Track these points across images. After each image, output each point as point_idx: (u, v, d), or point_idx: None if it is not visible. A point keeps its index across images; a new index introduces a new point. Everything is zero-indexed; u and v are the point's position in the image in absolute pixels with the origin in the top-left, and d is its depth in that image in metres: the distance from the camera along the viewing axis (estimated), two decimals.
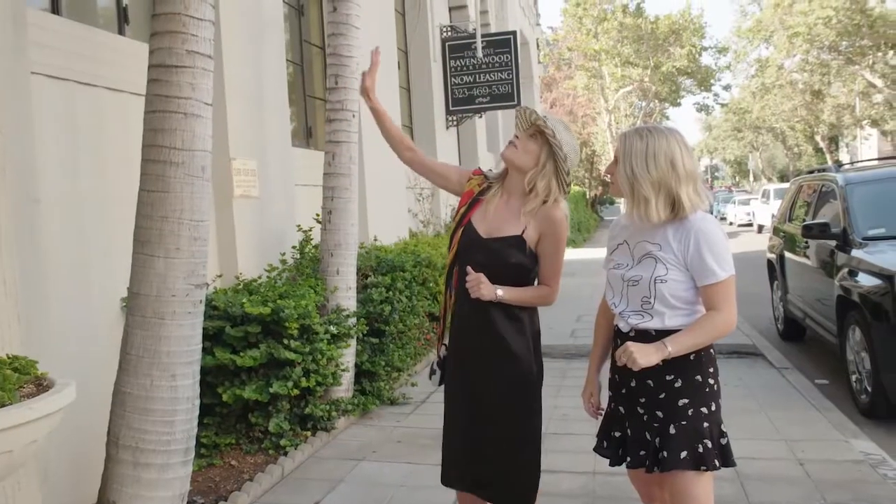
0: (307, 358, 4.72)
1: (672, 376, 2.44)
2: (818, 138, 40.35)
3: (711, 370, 2.47)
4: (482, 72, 11.65)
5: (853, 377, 5.74)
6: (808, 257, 7.12)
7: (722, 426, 2.48)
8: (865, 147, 38.39)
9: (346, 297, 5.51)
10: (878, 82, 28.04)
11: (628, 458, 2.54)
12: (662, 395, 2.45)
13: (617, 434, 2.62)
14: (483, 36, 11.77)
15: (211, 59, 3.32)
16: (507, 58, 11.67)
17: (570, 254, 21.49)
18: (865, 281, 5.53)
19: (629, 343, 2.36)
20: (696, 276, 2.39)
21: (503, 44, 11.81)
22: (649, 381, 2.45)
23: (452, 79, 11.85)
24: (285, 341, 4.60)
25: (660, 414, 2.45)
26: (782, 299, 8.29)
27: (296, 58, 7.56)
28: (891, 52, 27.35)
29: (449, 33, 12.06)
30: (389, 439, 5.09)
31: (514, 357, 2.79)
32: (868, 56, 27.46)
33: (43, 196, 3.67)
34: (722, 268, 2.36)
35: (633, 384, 2.51)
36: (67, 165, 4.01)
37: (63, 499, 3.73)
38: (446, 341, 3.02)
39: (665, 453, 2.38)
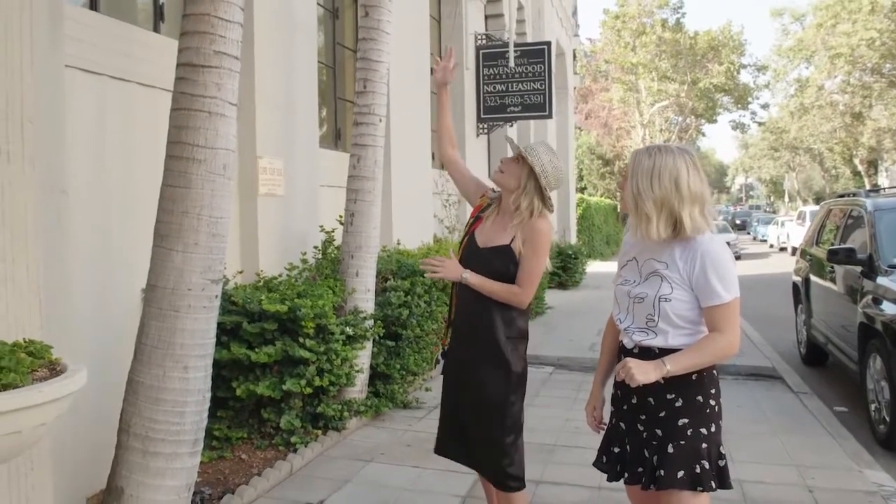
0: (322, 357, 4.77)
1: (673, 395, 2.45)
2: (857, 161, 39.74)
3: (713, 391, 2.48)
4: (515, 81, 11.66)
5: (872, 406, 5.67)
6: (833, 282, 7.04)
7: (721, 448, 2.48)
8: None
9: (365, 299, 5.56)
10: None
11: (626, 475, 2.56)
12: (663, 414, 2.46)
13: (616, 450, 2.62)
14: (517, 45, 11.78)
15: (238, 60, 3.39)
16: (540, 68, 11.67)
17: (597, 267, 21.42)
18: (889, 309, 5.46)
19: (628, 359, 2.37)
20: (701, 297, 2.39)
21: (537, 54, 11.81)
22: (650, 399, 2.47)
23: (485, 87, 11.87)
24: (301, 340, 4.66)
25: (659, 432, 2.47)
26: (806, 323, 8.20)
27: (328, 60, 7.64)
28: None
29: (483, 41, 12.09)
30: (399, 442, 5.12)
31: (500, 355, 3.09)
32: None
33: (70, 187, 3.77)
34: (727, 290, 2.36)
35: (634, 401, 2.52)
36: (96, 158, 4.11)
37: (79, 482, 3.82)
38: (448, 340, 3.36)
39: (662, 472, 2.39)
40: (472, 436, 3.16)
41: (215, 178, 3.31)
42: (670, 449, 2.41)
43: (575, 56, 24.02)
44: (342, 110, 7.90)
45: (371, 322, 5.49)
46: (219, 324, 3.74)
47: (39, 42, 3.39)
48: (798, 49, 29.54)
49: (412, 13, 8.76)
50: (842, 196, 8.49)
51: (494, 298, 3.07)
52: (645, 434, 2.51)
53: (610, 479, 2.68)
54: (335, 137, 7.78)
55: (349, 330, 5.09)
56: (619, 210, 39.76)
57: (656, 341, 2.44)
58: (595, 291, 15.28)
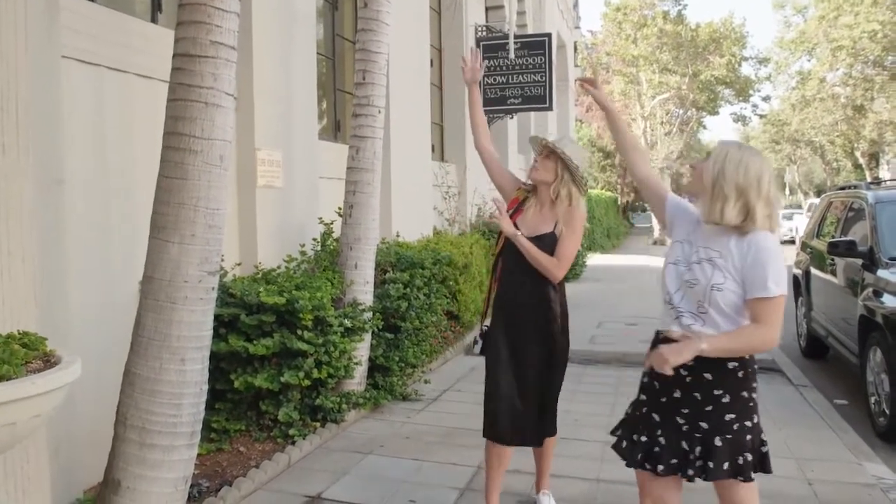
0: (320, 349, 4.76)
1: (720, 391, 2.55)
2: (858, 154, 39.65)
3: (754, 385, 2.60)
4: (515, 73, 11.60)
5: (872, 399, 5.66)
6: (833, 275, 7.02)
7: (762, 436, 2.62)
8: None
9: (363, 291, 5.54)
10: None
11: (661, 467, 2.61)
12: (710, 409, 2.56)
13: (643, 439, 2.68)
14: (518, 37, 11.72)
15: (234, 50, 3.36)
16: (540, 60, 11.61)
17: (598, 259, 21.38)
18: (889, 302, 5.44)
19: (661, 346, 2.49)
20: (749, 288, 2.48)
21: (537, 46, 11.75)
22: (696, 395, 2.56)
23: (485, 79, 11.80)
24: (299, 332, 4.65)
25: (704, 426, 2.56)
26: (806, 316, 8.18)
27: (328, 52, 7.62)
28: None
29: (484, 33, 12.05)
30: (398, 435, 5.11)
31: (555, 329, 3.50)
32: None
33: (67, 178, 3.75)
34: (776, 284, 2.45)
35: (676, 395, 2.61)
36: (94, 149, 4.09)
37: (76, 474, 3.81)
38: (488, 321, 3.69)
39: (711, 464, 2.51)
40: (526, 396, 3.49)
41: (212, 169, 3.28)
42: (718, 442, 2.52)
43: (576, 48, 23.96)
44: (341, 102, 7.88)
45: (370, 314, 5.48)
46: (217, 316, 3.73)
47: (35, 32, 3.36)
48: (800, 41, 29.44)
49: (412, 4, 8.73)
50: (843, 188, 8.46)
51: (535, 262, 3.44)
52: (685, 427, 2.60)
53: (628, 465, 2.75)
54: (335, 129, 7.76)
55: (348, 322, 5.08)
56: (618, 203, 39.77)
57: (704, 329, 2.52)
58: (595, 284, 15.25)
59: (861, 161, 39.79)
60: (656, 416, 2.66)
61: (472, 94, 3.93)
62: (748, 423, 2.55)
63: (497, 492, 3.62)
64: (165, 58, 3.48)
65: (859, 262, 6.21)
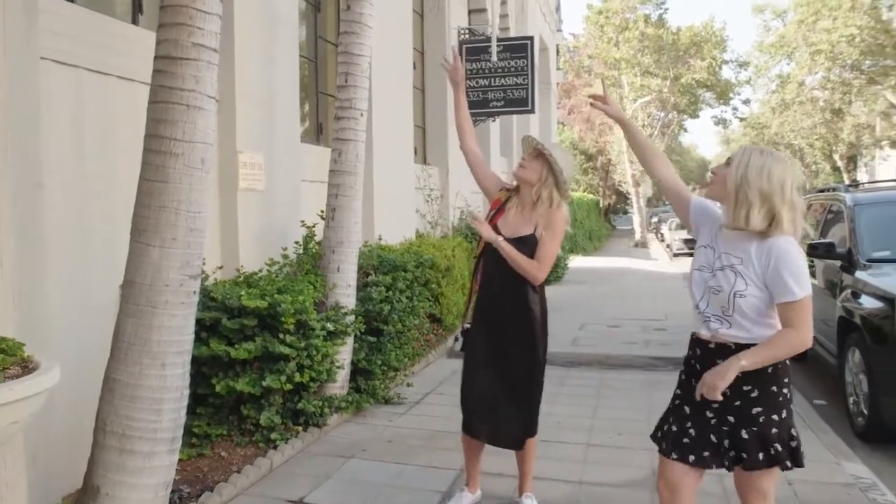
0: (302, 353, 4.74)
1: (749, 387, 2.61)
2: (836, 157, 40.04)
3: (786, 380, 2.64)
4: (498, 76, 11.62)
5: (850, 399, 5.71)
6: (812, 276, 7.09)
7: (793, 430, 2.64)
8: (884, 168, 38.05)
9: (346, 294, 5.53)
10: None
11: (692, 457, 2.68)
12: (738, 403, 2.63)
13: (674, 429, 2.77)
14: (500, 40, 11.75)
15: (216, 52, 3.35)
16: (523, 63, 11.63)
17: (581, 262, 21.45)
18: (867, 303, 5.50)
19: (705, 375, 2.58)
20: (774, 294, 2.53)
21: (520, 49, 11.77)
22: (726, 390, 2.59)
23: (467, 81, 11.81)
24: (281, 336, 4.62)
25: (731, 419, 2.64)
26: None
27: (310, 54, 7.60)
28: None
29: (466, 36, 12.06)
30: (380, 438, 5.10)
31: (533, 329, 3.57)
32: (891, 76, 27.17)
33: (46, 181, 3.71)
34: (800, 287, 2.49)
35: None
36: (73, 151, 4.06)
37: (54, 481, 3.77)
38: (469, 320, 3.73)
39: (745, 455, 2.60)
40: (504, 396, 3.58)
41: (193, 172, 3.26)
42: (744, 435, 2.59)
43: (558, 51, 24.06)
44: (324, 104, 7.86)
45: (352, 317, 5.46)
46: (198, 320, 3.70)
47: (13, 34, 3.34)
48: (779, 45, 29.62)
49: (394, 7, 8.72)
50: (822, 191, 8.55)
51: (516, 266, 3.49)
52: (714, 420, 2.68)
53: (660, 452, 2.83)
54: (317, 132, 7.74)
55: (330, 326, 5.07)
56: (600, 206, 39.92)
57: (731, 331, 2.61)
58: (578, 286, 15.31)
59: (839, 164, 40.19)
60: (687, 409, 2.75)
61: (458, 95, 4.01)
62: (775, 417, 2.59)
63: (476, 479, 3.91)
64: (146, 60, 3.46)
65: (838, 263, 6.27)
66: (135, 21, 4.86)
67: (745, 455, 2.60)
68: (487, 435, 3.69)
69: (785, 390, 2.63)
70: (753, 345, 2.55)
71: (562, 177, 3.53)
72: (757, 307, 2.56)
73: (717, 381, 2.52)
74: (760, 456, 2.58)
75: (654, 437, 2.93)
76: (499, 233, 3.60)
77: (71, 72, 4.04)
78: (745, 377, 2.56)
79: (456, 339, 3.82)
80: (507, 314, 3.59)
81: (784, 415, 2.61)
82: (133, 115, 4.37)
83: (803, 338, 2.51)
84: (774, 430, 2.59)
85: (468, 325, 3.74)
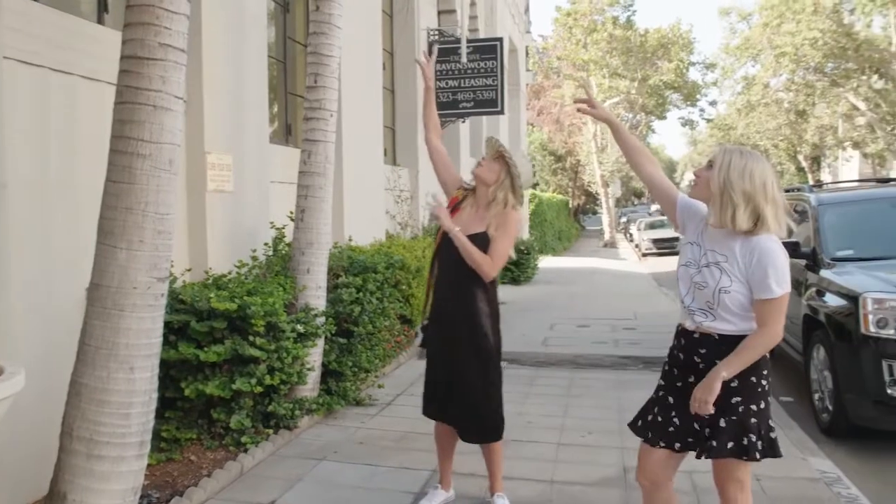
0: (272, 356, 4.71)
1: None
2: (801, 158, 40.69)
3: (765, 372, 2.73)
4: (467, 77, 11.65)
5: (816, 396, 5.80)
6: None
7: (771, 422, 2.74)
8: (847, 168, 38.76)
9: (316, 296, 5.50)
10: (861, 105, 28.31)
11: (678, 445, 2.82)
12: (719, 393, 2.69)
13: (659, 419, 2.87)
14: (470, 41, 11.77)
15: (184, 52, 3.31)
16: (492, 64, 11.67)
17: (550, 262, 21.57)
18: (832, 301, 5.60)
19: (695, 391, 2.69)
20: (755, 290, 2.64)
21: (489, 50, 11.81)
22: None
23: (438, 82, 11.82)
24: (251, 338, 4.59)
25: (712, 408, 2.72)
26: None
27: (279, 55, 7.55)
28: (875, 77, 27.63)
29: (436, 37, 12.06)
30: (352, 440, 5.08)
31: (481, 327, 3.63)
32: (852, 79, 27.71)
33: (9, 181, 3.65)
34: (779, 285, 2.60)
35: (691, 380, 2.78)
36: (37, 152, 3.99)
37: (19, 488, 3.72)
38: (427, 316, 3.83)
39: (714, 443, 2.68)
40: (458, 392, 3.65)
41: (161, 173, 3.22)
42: (722, 423, 2.68)
43: (527, 53, 24.16)
44: (293, 105, 7.81)
45: (322, 319, 5.44)
46: (166, 323, 3.66)
47: None
48: (745, 48, 30.03)
49: (364, 8, 8.70)
50: (787, 191, 8.66)
51: (469, 259, 3.54)
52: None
53: (644, 442, 2.95)
54: (286, 133, 7.69)
55: (300, 327, 5.04)
56: (570, 206, 40.14)
57: (715, 324, 2.72)
58: (547, 286, 15.40)
59: (804, 164, 40.86)
60: (671, 399, 2.85)
61: (429, 94, 4.08)
62: (754, 407, 2.68)
63: (448, 478, 3.98)
64: (113, 60, 3.41)
65: (803, 262, 6.37)
66: (100, 20, 4.80)
67: (714, 443, 2.68)
68: (437, 413, 3.81)
69: (763, 381, 2.71)
70: (735, 336, 2.68)
71: (518, 181, 3.61)
72: (740, 302, 2.67)
73: (706, 396, 2.64)
74: (730, 445, 2.66)
75: (634, 427, 3.01)
76: None
77: (35, 71, 3.97)
78: (728, 356, 2.67)
79: (416, 335, 3.92)
80: (457, 310, 3.65)
81: (762, 405, 2.71)
82: (99, 115, 4.31)
83: (774, 333, 2.63)
84: (753, 420, 2.67)
85: (426, 322, 3.84)
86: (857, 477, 4.54)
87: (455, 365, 3.66)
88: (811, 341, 5.94)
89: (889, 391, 4.95)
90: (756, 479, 4.35)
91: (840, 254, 6.11)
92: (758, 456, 2.67)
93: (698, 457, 2.78)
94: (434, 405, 3.79)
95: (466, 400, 3.65)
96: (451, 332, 3.67)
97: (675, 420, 2.81)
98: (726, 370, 2.63)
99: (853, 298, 5.21)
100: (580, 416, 5.66)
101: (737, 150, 2.69)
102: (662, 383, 2.93)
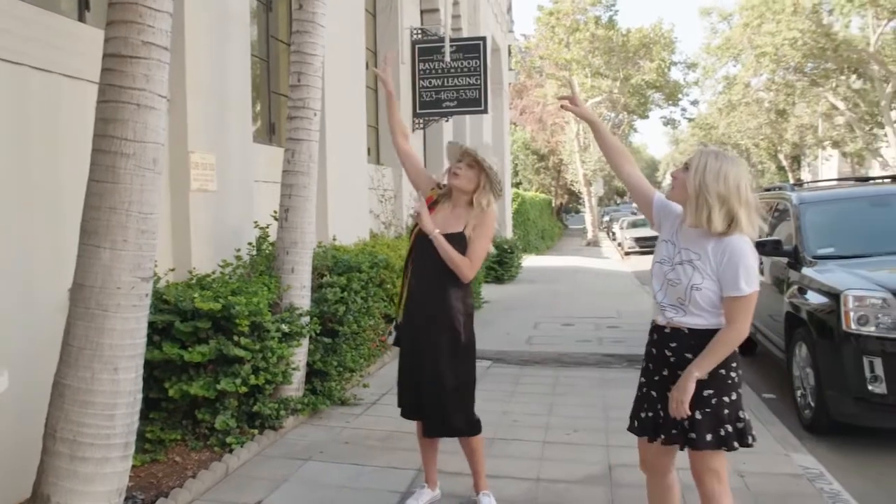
0: (257, 355, 4.69)
1: None
2: (781, 157, 41.06)
3: (734, 364, 2.84)
4: (451, 76, 11.66)
5: (798, 392, 5.86)
6: (760, 273, 7.23)
7: (741, 412, 2.84)
8: (826, 167, 39.13)
9: (300, 295, 5.48)
10: (841, 105, 28.59)
11: (663, 436, 2.90)
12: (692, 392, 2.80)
13: (649, 414, 2.97)
14: (453, 41, 11.78)
15: (167, 51, 3.29)
16: (475, 63, 11.69)
17: (533, 261, 21.61)
18: (813, 299, 5.65)
19: (672, 394, 2.80)
20: (725, 288, 2.75)
21: (472, 49, 11.83)
22: (679, 372, 2.82)
23: (421, 81, 11.85)
24: (235, 338, 4.56)
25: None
26: None
27: (262, 53, 7.51)
28: (853, 77, 27.91)
29: (419, 36, 12.06)
30: (337, 440, 5.07)
31: (456, 325, 3.63)
32: (832, 79, 27.97)
33: None
34: (748, 284, 2.71)
35: (665, 373, 2.91)
36: (17, 151, 3.94)
37: (3, 491, 3.67)
38: (401, 316, 3.80)
39: (693, 435, 2.78)
40: (428, 389, 3.64)
41: (144, 172, 3.20)
42: (698, 415, 2.78)
43: (510, 52, 24.18)
44: (276, 104, 7.78)
45: (307, 319, 5.42)
46: (150, 323, 3.63)
47: None
48: (726, 47, 30.20)
49: (347, 7, 8.67)
50: (768, 190, 8.74)
51: (449, 261, 3.56)
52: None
53: (649, 441, 3.00)
54: (269, 132, 7.66)
55: (285, 327, 5.02)
56: (553, 205, 40.23)
57: (686, 319, 2.82)
58: (531, 285, 15.43)
59: (784, 163, 41.23)
60: (654, 393, 2.95)
61: (391, 100, 4.00)
62: (726, 399, 2.79)
63: (433, 477, 4.00)
64: (95, 58, 3.38)
65: (785, 260, 6.42)
66: (81, 18, 4.75)
67: (694, 435, 2.78)
68: (411, 413, 3.81)
69: (733, 374, 2.82)
70: (704, 330, 2.78)
71: (497, 179, 3.63)
72: (711, 299, 2.77)
73: (682, 396, 2.74)
74: (709, 437, 2.76)
75: (632, 429, 3.08)
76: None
77: (14, 69, 3.92)
78: (699, 356, 2.77)
79: (389, 334, 3.89)
80: (433, 309, 3.65)
81: (734, 397, 2.81)
82: (80, 114, 4.28)
83: (739, 331, 2.73)
84: (726, 412, 2.78)
85: (398, 322, 3.84)
86: (838, 472, 4.59)
87: (429, 362, 3.65)
88: (793, 338, 5.99)
89: (870, 388, 5.00)
90: (739, 475, 4.40)
91: (821, 252, 6.16)
92: (736, 445, 2.78)
93: (681, 448, 2.88)
94: (408, 405, 3.80)
95: (436, 396, 3.65)
96: (427, 330, 3.66)
97: (661, 412, 2.91)
98: (698, 370, 2.73)
99: (835, 296, 5.26)
100: (565, 415, 5.68)
101: (712, 153, 2.78)
102: (643, 380, 3.04)
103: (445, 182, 3.76)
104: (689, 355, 2.79)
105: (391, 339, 3.88)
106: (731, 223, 2.70)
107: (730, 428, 2.78)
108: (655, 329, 2.97)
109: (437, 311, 3.64)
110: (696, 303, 2.77)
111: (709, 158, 2.75)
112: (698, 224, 2.73)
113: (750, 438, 2.83)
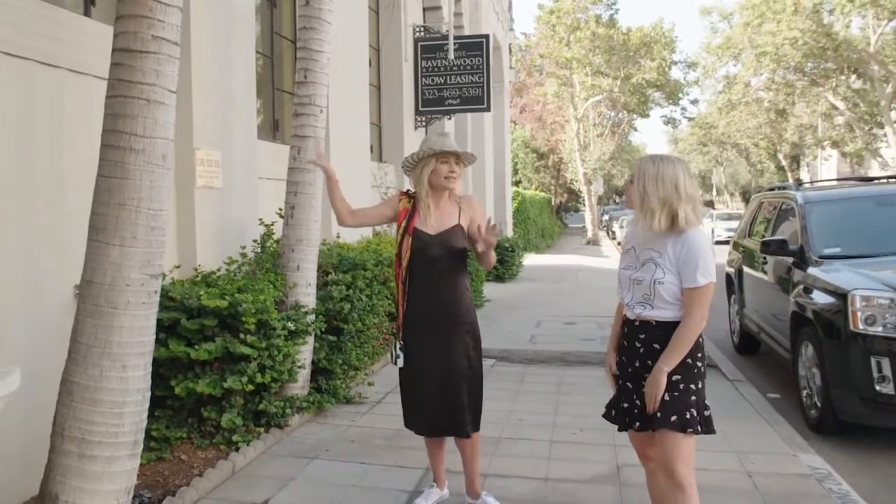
0: (263, 353, 4.67)
1: None
2: (781, 156, 41.08)
3: (699, 354, 2.99)
4: (453, 74, 11.63)
5: (804, 392, 5.84)
6: (765, 273, 7.23)
7: (706, 401, 3.00)
8: (825, 167, 39.17)
9: (306, 293, 5.46)
10: (840, 105, 28.58)
11: (638, 423, 3.05)
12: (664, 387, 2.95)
13: (626, 405, 3.11)
14: (456, 38, 11.75)
15: (177, 45, 3.26)
16: (478, 61, 11.66)
17: (534, 259, 21.57)
18: (819, 298, 5.63)
19: (646, 390, 2.95)
20: (683, 280, 2.93)
21: (475, 47, 11.80)
22: (649, 362, 2.99)
23: (423, 79, 11.82)
24: (241, 336, 4.54)
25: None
26: (739, 313, 8.40)
27: (266, 50, 7.48)
28: (853, 77, 27.90)
29: (422, 33, 12.03)
30: (343, 438, 5.05)
31: (471, 321, 3.70)
32: (831, 79, 27.97)
33: None
34: (703, 276, 2.89)
35: (637, 364, 3.05)
36: (23, 147, 3.92)
37: (10, 489, 3.66)
38: (402, 334, 3.73)
39: (658, 415, 2.92)
40: (449, 393, 3.61)
41: (154, 168, 3.17)
42: (666, 397, 2.92)
43: (510, 50, 24.14)
44: (280, 101, 7.75)
45: (313, 317, 5.40)
46: (157, 320, 3.60)
47: None
48: (726, 47, 30.15)
49: (350, 4, 8.64)
50: (772, 189, 8.72)
51: (489, 258, 3.70)
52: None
53: (620, 429, 3.20)
54: (273, 129, 7.63)
55: (291, 325, 5.00)
56: (552, 204, 40.23)
57: (653, 313, 2.98)
58: (532, 284, 15.41)
59: (783, 163, 41.25)
60: (629, 385, 3.09)
61: (332, 183, 3.88)
62: (693, 386, 2.94)
63: (441, 476, 3.98)
64: (100, 53, 3.35)
65: (790, 260, 6.40)
66: (87, 13, 4.72)
67: (658, 415, 2.91)
68: (429, 430, 3.79)
69: (699, 363, 2.97)
70: (670, 322, 2.94)
71: (467, 162, 3.78)
72: (674, 292, 2.94)
73: (654, 391, 2.90)
74: (673, 418, 2.89)
75: (608, 417, 3.22)
76: (424, 233, 3.64)
77: (21, 64, 3.90)
78: (663, 350, 2.93)
79: (397, 356, 3.71)
80: (450, 306, 3.66)
81: (700, 385, 2.97)
82: (86, 109, 4.25)
83: (697, 323, 2.89)
84: (693, 398, 2.93)
85: (402, 343, 3.71)
86: (846, 472, 4.58)
87: (449, 362, 3.61)
88: (799, 338, 5.97)
89: (877, 387, 4.98)
90: (748, 475, 4.38)
91: (827, 251, 6.14)
92: (699, 429, 2.90)
93: (645, 429, 3.01)
94: (430, 419, 3.70)
95: (455, 396, 3.61)
96: (447, 331, 3.62)
97: (637, 402, 3.04)
98: (666, 365, 2.88)
99: (842, 296, 5.24)
100: (571, 413, 5.66)
101: (649, 159, 2.98)
102: (618, 373, 3.19)
103: (405, 188, 3.86)
104: (657, 346, 2.96)
105: (400, 362, 3.71)
106: (674, 221, 2.88)
107: (695, 412, 2.91)
108: (626, 323, 3.12)
109: (454, 308, 3.65)
110: (660, 297, 2.94)
111: (647, 165, 2.94)
112: (649, 227, 2.93)
113: (713, 427, 2.98)
